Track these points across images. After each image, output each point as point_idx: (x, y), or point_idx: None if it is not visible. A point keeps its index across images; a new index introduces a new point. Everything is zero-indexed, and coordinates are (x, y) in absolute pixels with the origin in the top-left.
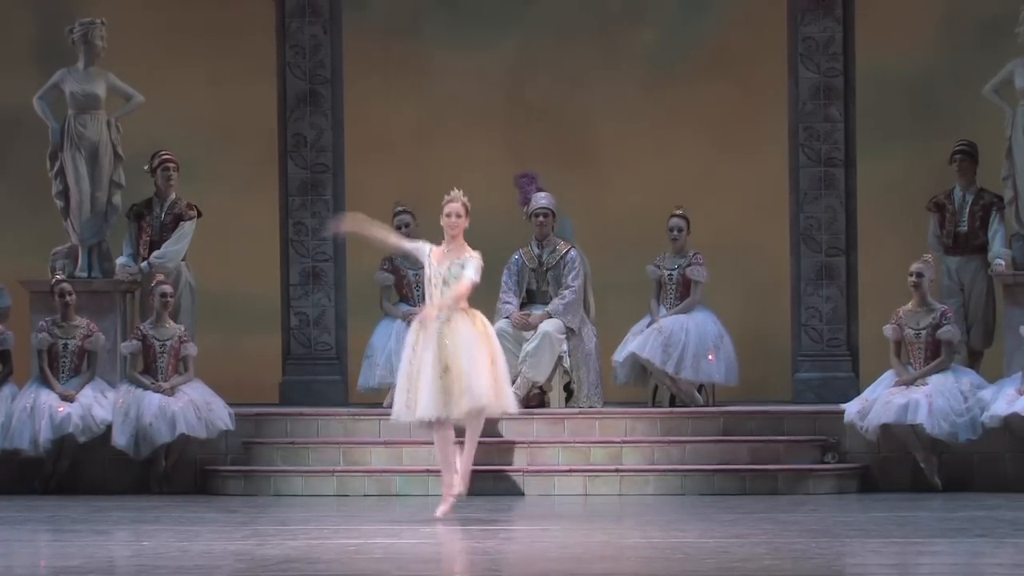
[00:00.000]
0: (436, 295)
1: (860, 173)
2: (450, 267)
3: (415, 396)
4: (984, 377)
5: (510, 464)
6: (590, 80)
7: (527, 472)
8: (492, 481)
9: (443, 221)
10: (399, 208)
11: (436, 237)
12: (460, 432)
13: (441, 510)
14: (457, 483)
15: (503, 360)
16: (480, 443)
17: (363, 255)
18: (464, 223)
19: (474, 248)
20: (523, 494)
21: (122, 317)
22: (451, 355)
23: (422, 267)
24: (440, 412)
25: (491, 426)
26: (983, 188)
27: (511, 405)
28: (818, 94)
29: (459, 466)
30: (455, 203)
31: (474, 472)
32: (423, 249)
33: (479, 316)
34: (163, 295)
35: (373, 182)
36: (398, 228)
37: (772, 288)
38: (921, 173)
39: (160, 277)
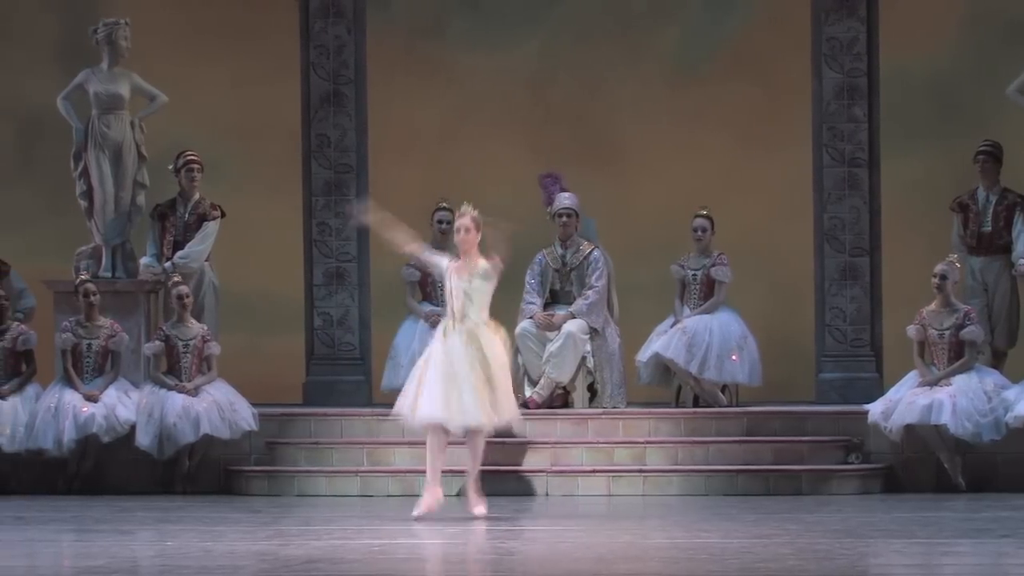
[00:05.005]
0: (457, 307)
1: (884, 173)
2: (470, 279)
3: (420, 397)
4: (1008, 377)
5: (533, 465)
6: (614, 80)
7: (550, 472)
8: (515, 481)
9: (455, 238)
10: (442, 204)
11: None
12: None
13: (418, 512)
14: (476, 502)
15: (506, 373)
16: (504, 444)
17: (386, 255)
18: (475, 237)
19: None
20: (547, 494)
21: (146, 317)
22: (461, 368)
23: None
24: (441, 418)
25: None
26: (1007, 188)
27: (510, 415)
28: (842, 94)
29: (471, 487)
30: (464, 218)
31: (497, 472)
32: (441, 264)
33: (486, 330)
34: (180, 296)
35: (396, 182)
36: (439, 223)
37: (796, 288)
38: (945, 173)
39: (176, 278)
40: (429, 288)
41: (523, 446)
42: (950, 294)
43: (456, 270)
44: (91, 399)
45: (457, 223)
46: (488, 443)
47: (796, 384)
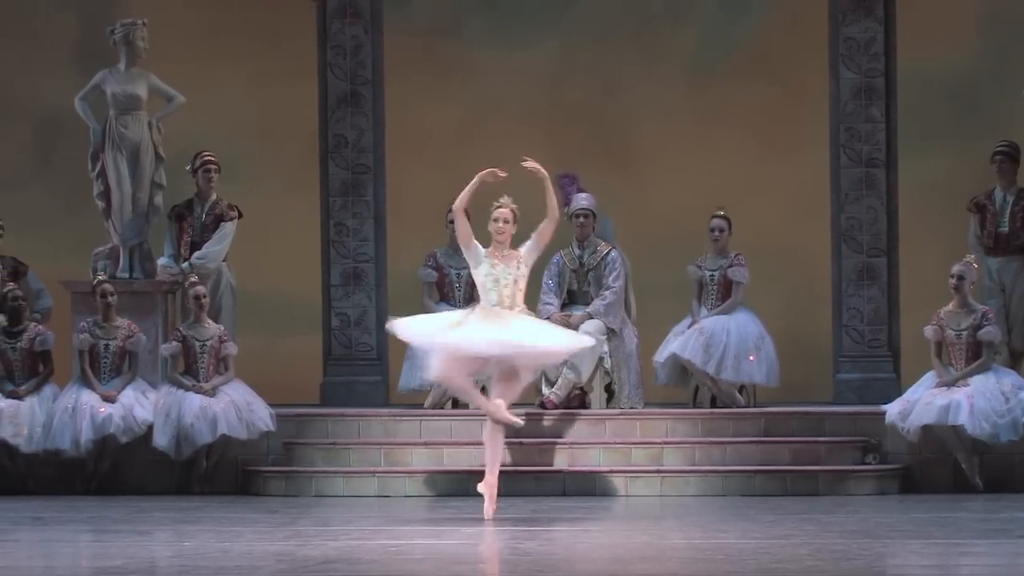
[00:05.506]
0: (508, 295)
1: (901, 173)
2: (518, 266)
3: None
4: None
5: (551, 465)
6: (631, 80)
7: (568, 473)
8: (533, 482)
9: (491, 227)
10: None
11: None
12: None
13: (489, 510)
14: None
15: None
16: (521, 444)
17: (402, 255)
18: (512, 229)
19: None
20: (564, 495)
21: (163, 318)
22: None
23: (466, 267)
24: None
25: (530, 426)
26: None
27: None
28: (859, 94)
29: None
30: (504, 209)
31: (514, 472)
32: (479, 251)
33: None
34: (197, 296)
35: (414, 183)
36: (450, 223)
37: (813, 289)
38: (962, 173)
39: (193, 278)
40: (446, 288)
41: (540, 446)
42: (967, 295)
43: (503, 260)
44: (108, 399)
45: (496, 213)
46: (505, 443)
47: (813, 385)
